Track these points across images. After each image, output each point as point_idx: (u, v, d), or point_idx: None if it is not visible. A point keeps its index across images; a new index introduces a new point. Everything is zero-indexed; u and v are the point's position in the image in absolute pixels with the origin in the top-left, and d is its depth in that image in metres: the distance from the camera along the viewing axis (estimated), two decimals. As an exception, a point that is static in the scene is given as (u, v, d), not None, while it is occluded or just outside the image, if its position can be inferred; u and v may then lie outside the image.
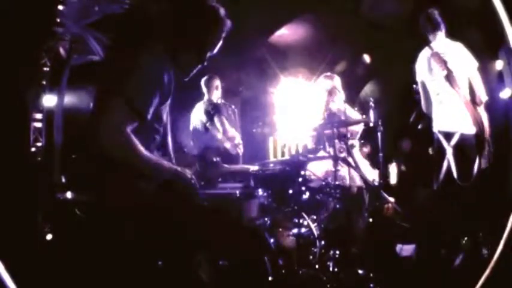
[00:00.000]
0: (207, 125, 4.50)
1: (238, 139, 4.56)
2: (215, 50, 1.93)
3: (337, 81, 3.92)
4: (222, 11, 1.87)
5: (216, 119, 4.47)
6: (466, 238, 3.38)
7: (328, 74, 4.04)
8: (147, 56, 1.68)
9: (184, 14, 1.83)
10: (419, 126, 4.03)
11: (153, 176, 1.71)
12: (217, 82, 4.62)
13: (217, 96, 4.62)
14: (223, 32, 1.89)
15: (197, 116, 4.64)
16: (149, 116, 1.66)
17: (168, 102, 1.79)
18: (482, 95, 3.33)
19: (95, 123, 1.61)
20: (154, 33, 1.75)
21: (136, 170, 1.65)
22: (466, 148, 3.29)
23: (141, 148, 1.63)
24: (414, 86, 3.67)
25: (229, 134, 4.50)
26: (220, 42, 1.92)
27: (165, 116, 1.82)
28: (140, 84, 1.64)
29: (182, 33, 1.82)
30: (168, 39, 1.80)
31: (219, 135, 4.46)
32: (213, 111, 4.49)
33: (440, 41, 3.44)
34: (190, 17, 1.83)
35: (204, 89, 4.62)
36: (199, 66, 1.92)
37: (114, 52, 1.84)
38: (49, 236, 3.73)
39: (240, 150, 4.56)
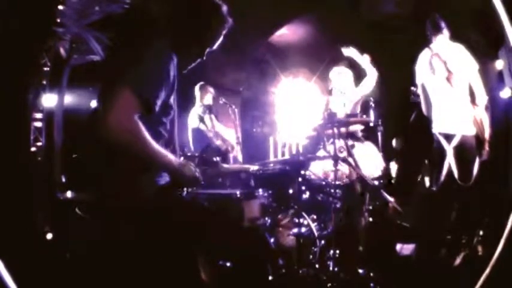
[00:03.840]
0: (200, 126, 4.70)
1: (226, 135, 4.69)
2: (215, 46, 1.94)
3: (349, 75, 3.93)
4: (224, 8, 1.88)
5: (206, 118, 4.68)
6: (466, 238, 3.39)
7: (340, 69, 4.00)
8: (152, 48, 1.70)
9: (186, 9, 1.84)
10: (420, 127, 4.03)
11: (158, 165, 1.70)
12: (209, 89, 4.92)
13: (208, 100, 4.87)
14: (224, 29, 1.91)
15: (192, 120, 4.82)
16: (157, 108, 1.66)
17: (174, 96, 1.79)
18: (483, 97, 3.34)
19: (103, 111, 1.60)
20: (157, 28, 1.76)
21: (141, 157, 1.64)
22: (466, 149, 3.29)
23: (148, 137, 1.62)
24: (412, 88, 3.68)
25: (216, 129, 4.69)
26: (221, 39, 1.93)
27: (172, 111, 1.82)
28: (147, 74, 1.65)
29: (183, 28, 1.83)
30: (169, 34, 1.80)
31: (210, 133, 4.65)
32: (203, 111, 4.73)
33: (441, 43, 3.44)
34: (192, 12, 1.84)
35: (197, 95, 4.89)
36: (198, 60, 1.94)
37: (118, 47, 1.85)
38: (49, 236, 3.73)
39: (231, 146, 4.66)
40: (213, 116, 4.72)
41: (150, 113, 1.64)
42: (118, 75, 1.65)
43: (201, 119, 4.69)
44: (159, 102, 1.66)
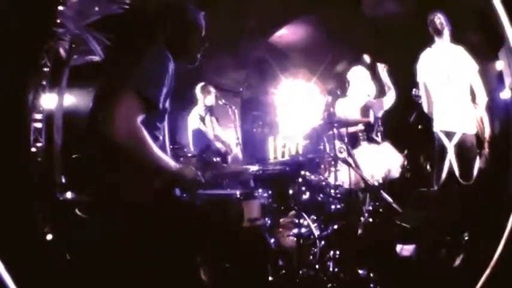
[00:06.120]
0: (200, 126, 4.76)
1: (225, 137, 4.82)
2: (200, 52, 1.96)
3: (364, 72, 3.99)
4: (200, 16, 1.93)
5: (207, 119, 4.74)
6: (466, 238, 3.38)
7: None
8: (153, 48, 1.71)
9: (170, 20, 1.86)
10: (420, 126, 4.04)
11: (160, 169, 1.70)
12: (210, 89, 4.89)
13: (210, 101, 4.85)
14: (201, 33, 1.93)
15: (193, 120, 4.87)
16: (160, 105, 1.67)
17: (169, 100, 1.80)
18: (483, 96, 3.35)
19: (105, 114, 1.58)
20: (153, 33, 1.77)
21: (143, 162, 1.64)
22: (467, 147, 3.31)
23: (151, 141, 1.63)
24: (414, 90, 3.71)
25: (216, 132, 4.77)
26: (205, 44, 1.96)
27: (166, 116, 1.82)
28: (149, 73, 1.65)
29: (170, 37, 1.85)
30: (163, 40, 1.82)
31: (211, 135, 4.72)
32: (204, 112, 4.78)
33: (442, 43, 3.46)
34: (174, 23, 1.86)
35: (199, 96, 4.88)
36: (190, 66, 1.96)
37: (118, 49, 1.85)
38: (49, 236, 3.73)
39: (230, 148, 4.73)
40: (213, 118, 4.76)
41: (156, 110, 1.64)
42: (118, 76, 1.65)
43: (202, 120, 4.74)
44: (162, 99, 1.67)
